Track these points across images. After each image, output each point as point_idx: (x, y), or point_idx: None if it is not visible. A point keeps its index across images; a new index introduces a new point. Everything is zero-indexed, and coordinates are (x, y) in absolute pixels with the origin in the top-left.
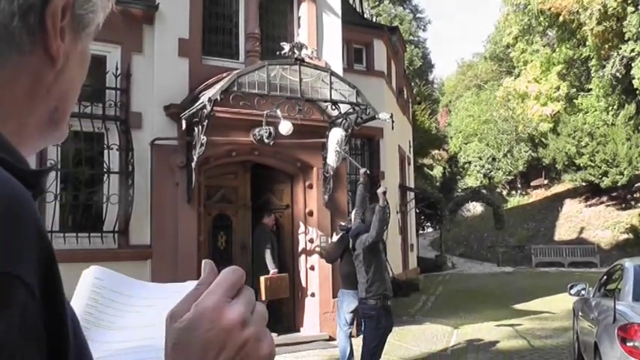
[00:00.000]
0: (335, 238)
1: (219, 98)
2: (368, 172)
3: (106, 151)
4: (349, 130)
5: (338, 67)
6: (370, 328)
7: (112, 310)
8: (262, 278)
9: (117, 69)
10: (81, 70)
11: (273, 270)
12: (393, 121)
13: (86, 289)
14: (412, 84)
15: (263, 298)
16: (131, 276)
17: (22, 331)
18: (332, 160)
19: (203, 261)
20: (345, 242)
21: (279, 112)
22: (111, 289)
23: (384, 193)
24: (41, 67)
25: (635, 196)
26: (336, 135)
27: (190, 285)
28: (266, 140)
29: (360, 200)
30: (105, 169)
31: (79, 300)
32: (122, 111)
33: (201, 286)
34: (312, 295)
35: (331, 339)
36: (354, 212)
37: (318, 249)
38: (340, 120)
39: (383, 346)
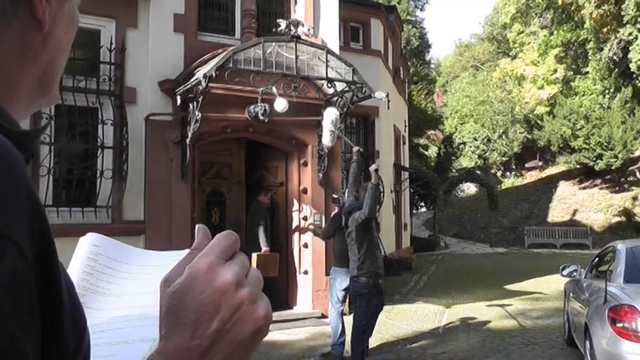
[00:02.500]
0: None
1: (214, 74)
2: (361, 150)
3: (100, 126)
4: (345, 109)
5: (334, 45)
6: (361, 307)
7: (107, 276)
8: (254, 255)
9: (111, 43)
10: (69, 33)
11: (265, 248)
12: (389, 100)
13: (83, 255)
14: (409, 64)
15: None
16: None
17: (11, 293)
18: (327, 139)
19: (197, 225)
20: (339, 220)
21: (274, 90)
22: (107, 255)
23: (376, 170)
24: (28, 31)
25: (628, 179)
26: (330, 114)
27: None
28: (261, 117)
29: (353, 178)
30: (99, 144)
31: (75, 267)
32: (116, 86)
33: (195, 250)
34: (305, 272)
35: (323, 316)
36: (347, 190)
37: (311, 227)
38: (336, 98)
39: (373, 324)
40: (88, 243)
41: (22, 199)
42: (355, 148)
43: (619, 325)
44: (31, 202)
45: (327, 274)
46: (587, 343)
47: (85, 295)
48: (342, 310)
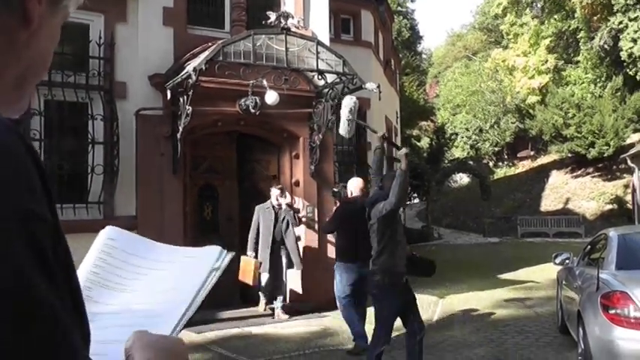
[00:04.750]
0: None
1: (204, 68)
2: (386, 135)
3: (90, 122)
4: (336, 101)
5: (325, 37)
6: (376, 310)
7: (121, 271)
8: (242, 257)
9: (100, 38)
10: (51, 44)
11: (249, 253)
12: (380, 92)
13: (96, 248)
14: (400, 55)
15: (239, 277)
16: None
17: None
18: (344, 130)
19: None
20: (343, 214)
21: (265, 82)
22: (123, 249)
23: (407, 155)
24: (14, 27)
25: (620, 167)
26: (348, 103)
27: (201, 258)
28: (252, 110)
29: (377, 166)
30: (89, 140)
31: (87, 260)
32: (106, 81)
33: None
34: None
35: (319, 309)
36: (372, 179)
37: (304, 219)
38: (327, 90)
39: (388, 330)
40: (103, 236)
41: (36, 176)
42: (379, 133)
43: (611, 311)
44: (42, 174)
45: (321, 266)
46: (580, 330)
47: (93, 289)
48: (353, 301)
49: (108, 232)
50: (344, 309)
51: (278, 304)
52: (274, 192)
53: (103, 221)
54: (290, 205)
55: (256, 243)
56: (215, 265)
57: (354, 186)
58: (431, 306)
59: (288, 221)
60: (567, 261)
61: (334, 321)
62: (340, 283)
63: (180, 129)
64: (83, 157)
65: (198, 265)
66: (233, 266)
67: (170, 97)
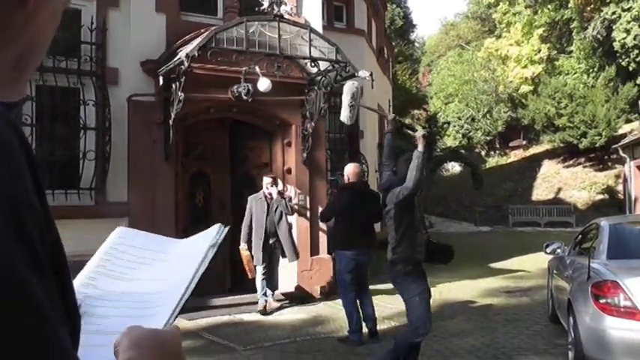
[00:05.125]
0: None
1: (196, 54)
2: (398, 118)
3: (82, 107)
4: (328, 88)
5: (318, 24)
6: (405, 300)
7: (126, 262)
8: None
9: (92, 23)
10: (51, 27)
11: (242, 245)
12: (372, 80)
13: (106, 246)
14: (393, 43)
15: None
16: (108, 232)
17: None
18: (346, 116)
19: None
20: (340, 200)
21: (257, 69)
22: (130, 244)
23: (424, 136)
24: (11, 7)
25: (612, 157)
26: (350, 88)
27: (202, 240)
28: (244, 97)
29: (388, 150)
30: (81, 125)
31: (95, 255)
32: (98, 66)
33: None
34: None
35: (309, 296)
36: (384, 164)
37: (296, 207)
38: (320, 77)
39: (425, 317)
40: (114, 236)
41: (24, 162)
42: (390, 116)
43: (602, 300)
44: (31, 161)
45: (313, 254)
46: (571, 319)
47: (97, 278)
48: (354, 297)
49: (118, 231)
50: (344, 298)
51: (269, 293)
52: (265, 181)
53: (94, 207)
54: (281, 194)
55: (249, 234)
56: (212, 241)
57: (350, 172)
58: None
59: (281, 211)
60: (558, 250)
61: (325, 309)
62: (340, 271)
63: (173, 115)
64: (75, 143)
65: (198, 246)
66: (225, 254)
67: (162, 84)
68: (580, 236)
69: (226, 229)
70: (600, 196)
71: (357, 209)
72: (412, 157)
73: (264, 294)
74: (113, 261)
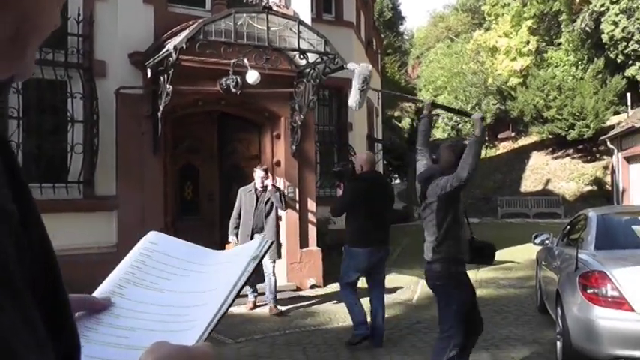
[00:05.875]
0: (339, 192)
1: (184, 46)
2: (435, 101)
3: (69, 100)
4: (317, 81)
5: (306, 16)
6: (441, 306)
7: (158, 271)
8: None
9: (79, 15)
10: None
11: (230, 238)
12: None
13: (136, 251)
14: (382, 36)
15: None
16: (96, 226)
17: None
18: (355, 101)
19: None
20: (353, 192)
21: (246, 61)
22: (163, 252)
23: (482, 119)
24: None
25: (600, 149)
26: (364, 71)
27: (242, 252)
28: (233, 89)
29: (423, 137)
30: (69, 118)
31: (124, 261)
32: (85, 59)
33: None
34: (280, 245)
35: (298, 289)
36: (418, 152)
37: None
38: (308, 70)
39: (463, 329)
40: (145, 240)
41: None
42: (426, 101)
43: (589, 291)
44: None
45: (302, 246)
46: (559, 309)
47: (126, 287)
48: (355, 292)
49: (149, 236)
50: (344, 295)
51: (269, 296)
52: (259, 174)
53: (83, 201)
54: (276, 187)
55: (236, 228)
56: (254, 253)
57: (365, 160)
58: (411, 286)
59: (272, 205)
60: (547, 241)
61: (315, 301)
62: (347, 267)
63: (161, 108)
64: (62, 136)
65: (238, 259)
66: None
67: (150, 76)
68: (568, 227)
69: (269, 242)
70: (588, 188)
71: (372, 202)
72: (454, 144)
73: (254, 290)
74: (144, 269)
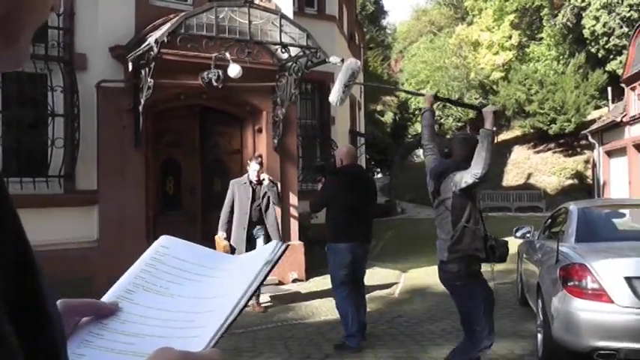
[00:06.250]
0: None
1: (166, 40)
2: (438, 94)
3: (49, 93)
4: (299, 74)
5: (288, 10)
6: (466, 307)
7: (170, 276)
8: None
9: (59, 7)
10: None
11: (220, 233)
12: None
13: (147, 255)
14: (364, 30)
15: None
16: (77, 221)
17: None
18: (337, 96)
19: None
20: (333, 186)
21: (227, 55)
22: (175, 256)
23: (495, 112)
24: None
25: (581, 143)
26: (352, 66)
27: (257, 257)
28: (214, 83)
29: (429, 131)
30: (49, 112)
31: (135, 265)
32: (66, 52)
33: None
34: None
35: (280, 283)
36: (425, 147)
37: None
38: (290, 63)
39: (485, 327)
40: (157, 244)
41: None
42: (428, 94)
43: (570, 283)
44: None
45: (284, 241)
46: (539, 301)
47: (135, 292)
48: (349, 293)
49: (162, 240)
50: (338, 299)
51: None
52: (254, 166)
53: (63, 195)
54: (273, 182)
55: (229, 222)
56: (268, 258)
57: (345, 153)
58: (393, 279)
59: (269, 199)
60: (528, 235)
61: (296, 295)
62: (333, 267)
63: (142, 102)
64: (43, 130)
65: (253, 263)
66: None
67: (131, 70)
68: (549, 220)
69: (284, 245)
70: (570, 181)
71: (353, 196)
72: (467, 136)
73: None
74: (154, 273)
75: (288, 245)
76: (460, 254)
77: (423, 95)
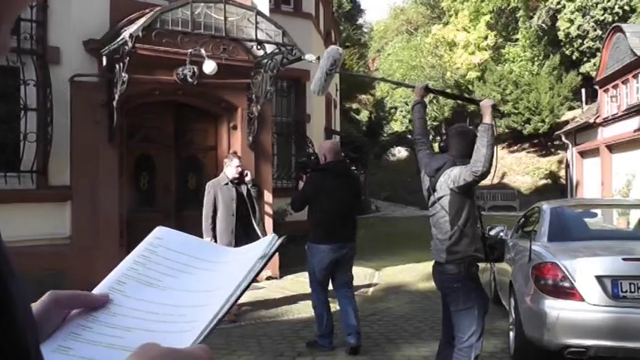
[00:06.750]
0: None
1: (141, 35)
2: (429, 85)
3: (22, 87)
4: (275, 71)
5: (264, 6)
6: (459, 310)
7: (163, 267)
8: None
9: None
10: None
11: (205, 239)
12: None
13: (142, 246)
14: (341, 28)
15: None
16: (49, 217)
17: None
18: (319, 85)
19: None
20: (316, 184)
21: (203, 51)
22: (169, 247)
23: (494, 106)
24: None
25: (555, 143)
26: (334, 54)
27: (252, 252)
28: (189, 80)
29: (421, 125)
30: (21, 106)
31: (129, 257)
32: (39, 45)
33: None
34: None
35: (255, 281)
36: (418, 141)
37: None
38: (266, 60)
39: (480, 332)
40: (151, 236)
41: None
42: (418, 86)
43: (542, 282)
44: None
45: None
46: (512, 300)
47: (126, 284)
48: (326, 296)
49: (156, 231)
50: (313, 298)
51: None
52: (235, 162)
53: (36, 191)
54: (254, 180)
55: (214, 227)
56: (264, 252)
57: (328, 149)
58: (367, 278)
59: (252, 197)
60: (501, 233)
61: (270, 293)
62: (312, 267)
63: (116, 97)
64: (15, 124)
65: (248, 257)
66: None
67: (106, 64)
68: (522, 220)
69: (281, 239)
70: (543, 181)
71: (337, 193)
72: (465, 129)
73: None
74: (147, 265)
75: (286, 238)
76: (460, 256)
77: (413, 87)
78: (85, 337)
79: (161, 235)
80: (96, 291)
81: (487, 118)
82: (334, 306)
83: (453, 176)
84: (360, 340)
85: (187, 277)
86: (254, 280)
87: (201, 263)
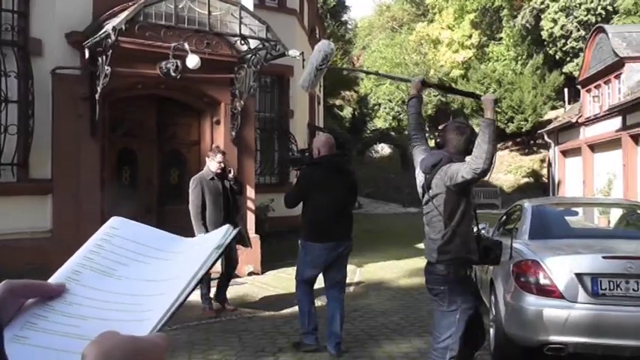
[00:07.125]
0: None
1: (124, 28)
2: (425, 80)
3: (3, 79)
4: (258, 67)
5: (249, 2)
6: (439, 311)
7: (117, 256)
8: None
9: None
10: None
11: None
12: (303, 59)
13: (97, 236)
14: (325, 24)
15: None
16: (30, 210)
17: None
18: (309, 80)
19: None
20: (310, 179)
21: (186, 46)
22: (124, 237)
23: (495, 101)
24: None
25: (537, 142)
26: (325, 48)
27: (208, 240)
28: (173, 74)
29: (416, 120)
30: (2, 98)
31: (84, 246)
32: (20, 36)
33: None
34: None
35: (236, 276)
36: (412, 137)
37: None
38: (249, 56)
39: (459, 338)
40: (107, 225)
41: None
42: (415, 80)
43: (522, 279)
44: None
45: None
46: (492, 297)
47: (82, 273)
48: (312, 293)
49: (111, 221)
50: (298, 294)
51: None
52: (218, 157)
53: (16, 184)
54: (236, 176)
55: (204, 223)
56: (219, 242)
57: (322, 143)
58: (349, 274)
59: (235, 193)
60: (483, 231)
61: (251, 288)
62: (301, 264)
63: (99, 90)
64: None
65: (203, 247)
66: None
67: (88, 57)
68: (504, 217)
69: (235, 231)
70: (526, 180)
71: (331, 189)
72: (463, 125)
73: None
74: (102, 254)
75: (240, 230)
76: (450, 256)
77: (408, 81)
78: (41, 326)
79: (117, 224)
80: (52, 280)
81: (489, 113)
82: (318, 301)
83: (450, 173)
84: (340, 351)
85: (143, 266)
86: (209, 269)
87: (157, 253)
